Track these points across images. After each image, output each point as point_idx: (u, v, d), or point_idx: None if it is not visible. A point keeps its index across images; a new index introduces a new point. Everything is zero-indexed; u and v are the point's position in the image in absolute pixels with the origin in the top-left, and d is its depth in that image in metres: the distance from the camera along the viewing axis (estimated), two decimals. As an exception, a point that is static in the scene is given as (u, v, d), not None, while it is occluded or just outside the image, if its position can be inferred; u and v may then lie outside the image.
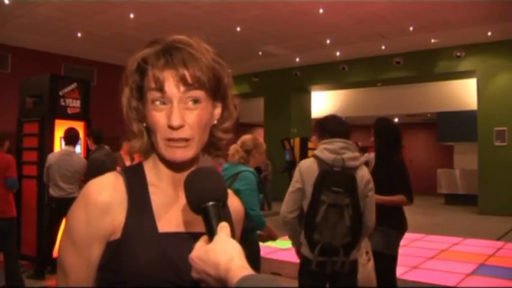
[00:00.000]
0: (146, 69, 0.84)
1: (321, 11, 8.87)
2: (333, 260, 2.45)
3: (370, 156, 3.95)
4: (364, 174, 2.60)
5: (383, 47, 11.39)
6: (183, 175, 0.85)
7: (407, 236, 7.32)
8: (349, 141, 2.68)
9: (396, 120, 17.14)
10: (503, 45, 10.42)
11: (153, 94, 0.82)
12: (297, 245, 2.72)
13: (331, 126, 2.76)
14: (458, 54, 10.93)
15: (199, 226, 0.84)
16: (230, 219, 0.90)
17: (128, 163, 5.17)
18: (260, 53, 12.34)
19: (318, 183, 2.52)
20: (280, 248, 6.07)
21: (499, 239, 7.26)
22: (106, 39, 10.62)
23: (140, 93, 0.86)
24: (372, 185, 2.62)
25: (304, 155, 8.93)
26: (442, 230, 8.10)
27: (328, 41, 11.11)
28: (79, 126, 5.38)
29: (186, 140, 0.83)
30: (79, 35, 10.49)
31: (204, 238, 0.75)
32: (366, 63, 12.44)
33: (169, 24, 9.31)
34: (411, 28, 9.94)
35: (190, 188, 0.77)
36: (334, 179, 2.51)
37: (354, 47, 11.50)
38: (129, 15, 9.09)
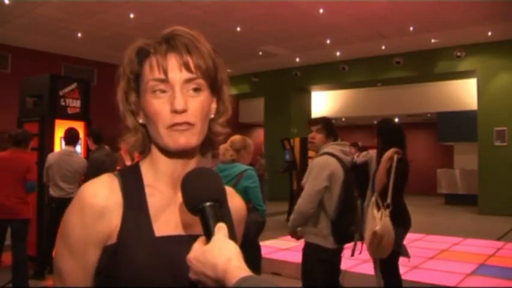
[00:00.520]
0: (148, 54, 0.83)
1: (321, 11, 8.87)
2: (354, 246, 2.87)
3: (368, 155, 4.12)
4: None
5: (383, 47, 11.39)
6: (182, 174, 0.83)
7: (408, 236, 7.32)
8: (348, 143, 3.09)
9: (396, 120, 17.17)
10: (503, 45, 10.42)
11: (154, 82, 0.81)
12: (295, 230, 2.93)
13: (334, 127, 3.01)
14: (458, 54, 10.93)
15: (198, 228, 0.83)
16: (230, 219, 0.88)
17: (128, 163, 5.17)
18: (260, 53, 12.34)
19: (347, 182, 2.80)
20: (280, 248, 6.07)
21: (499, 239, 7.26)
22: (106, 39, 10.62)
23: (137, 84, 0.85)
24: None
25: (304, 155, 8.90)
26: (442, 230, 8.10)
27: (328, 41, 11.11)
28: (79, 126, 5.38)
29: (190, 124, 0.81)
30: (79, 35, 10.49)
31: (201, 239, 0.74)
32: (366, 63, 12.44)
33: (169, 24, 9.12)
34: (411, 28, 9.93)
35: (187, 188, 0.76)
36: (352, 177, 2.88)
37: (354, 47, 11.50)
38: (129, 15, 9.10)
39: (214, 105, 0.88)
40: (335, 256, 2.84)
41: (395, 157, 3.17)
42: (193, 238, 0.81)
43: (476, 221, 9.77)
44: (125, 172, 0.88)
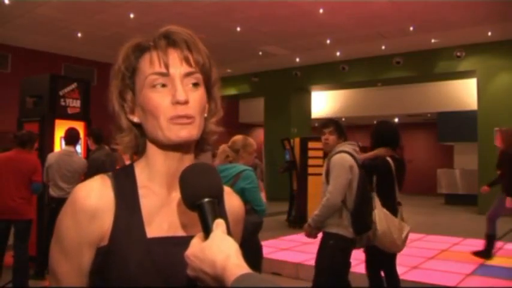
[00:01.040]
0: (146, 49, 0.84)
1: (321, 11, 8.87)
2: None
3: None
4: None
5: (383, 47, 11.39)
6: (177, 172, 0.83)
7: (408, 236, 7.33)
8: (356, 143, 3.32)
9: (396, 120, 17.16)
10: (503, 45, 10.42)
11: (154, 76, 0.81)
12: (323, 223, 3.12)
13: (344, 129, 3.29)
14: (458, 54, 10.93)
15: (192, 229, 0.83)
16: (225, 217, 0.87)
17: (127, 163, 5.17)
18: (260, 53, 12.34)
19: (364, 177, 3.09)
20: (280, 248, 6.07)
21: (499, 239, 7.25)
22: (106, 39, 10.62)
23: (133, 81, 0.85)
24: None
25: (304, 155, 8.89)
26: (442, 230, 8.09)
27: (328, 41, 11.11)
28: (79, 126, 5.38)
29: (190, 117, 0.81)
30: (79, 35, 10.49)
31: (199, 235, 0.73)
32: (366, 63, 12.44)
33: (169, 24, 9.27)
34: (411, 28, 9.93)
35: (185, 183, 0.75)
36: (364, 173, 3.14)
37: (354, 47, 11.50)
38: (129, 15, 9.10)
39: (206, 104, 0.88)
40: (351, 246, 3.11)
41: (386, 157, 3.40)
42: (187, 239, 0.80)
43: (476, 221, 9.75)
44: (118, 173, 0.88)
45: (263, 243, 4.34)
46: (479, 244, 6.71)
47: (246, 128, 17.43)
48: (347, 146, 3.18)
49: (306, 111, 14.64)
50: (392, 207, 3.40)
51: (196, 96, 0.83)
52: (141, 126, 0.87)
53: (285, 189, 10.23)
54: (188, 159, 0.87)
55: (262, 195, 3.46)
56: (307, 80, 13.68)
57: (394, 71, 12.06)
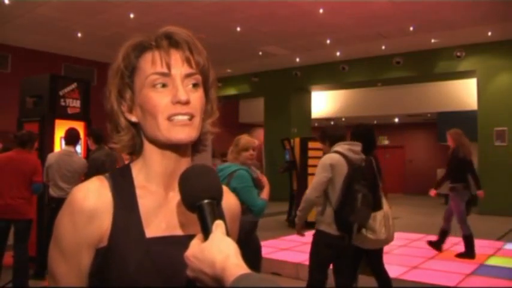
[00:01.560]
0: (146, 48, 0.84)
1: (321, 11, 8.87)
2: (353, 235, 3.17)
3: None
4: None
5: (383, 47, 11.39)
6: (174, 172, 0.85)
7: (408, 236, 7.34)
8: (360, 144, 3.37)
9: (396, 120, 17.17)
10: (503, 45, 10.42)
11: (155, 76, 0.82)
12: (304, 219, 3.29)
13: (338, 134, 3.38)
14: (458, 54, 10.93)
15: (190, 228, 0.83)
16: (224, 217, 0.89)
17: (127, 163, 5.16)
18: (260, 53, 12.33)
19: (350, 177, 3.14)
20: (280, 248, 6.07)
21: (499, 239, 7.26)
22: (106, 39, 10.62)
23: (132, 80, 0.85)
24: None
25: (304, 155, 8.90)
26: (442, 230, 8.07)
27: (328, 41, 11.11)
28: (79, 126, 5.38)
29: (191, 116, 0.82)
30: (79, 35, 10.49)
31: (199, 236, 0.74)
32: (366, 63, 12.44)
33: (169, 24, 9.26)
34: (411, 28, 9.93)
35: (185, 185, 0.75)
36: (360, 174, 3.21)
37: (354, 47, 11.50)
38: (129, 15, 9.10)
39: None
40: (340, 242, 3.16)
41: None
42: (185, 238, 0.80)
43: (476, 221, 9.75)
44: (115, 174, 0.88)
45: (263, 243, 4.34)
46: (479, 244, 6.71)
47: (246, 128, 17.43)
48: (342, 146, 3.27)
49: (306, 111, 14.63)
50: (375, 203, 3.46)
51: (196, 97, 0.83)
52: (138, 125, 0.87)
53: (285, 189, 10.22)
54: (185, 160, 0.88)
55: (265, 192, 3.41)
56: (307, 80, 13.68)
57: (394, 71, 12.06)
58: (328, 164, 3.16)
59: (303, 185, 8.72)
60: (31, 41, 11.09)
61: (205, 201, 0.74)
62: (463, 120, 12.63)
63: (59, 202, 4.60)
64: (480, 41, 10.56)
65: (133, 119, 0.86)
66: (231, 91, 15.28)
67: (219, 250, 0.69)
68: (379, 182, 3.61)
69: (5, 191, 4.30)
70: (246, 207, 3.19)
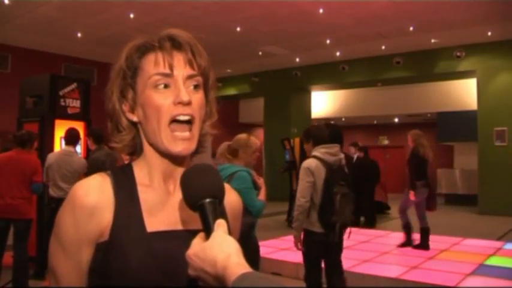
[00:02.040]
0: (149, 49, 0.85)
1: (321, 11, 8.87)
2: (342, 232, 3.41)
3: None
4: (347, 170, 3.61)
5: (383, 47, 11.39)
6: (175, 170, 0.87)
7: (407, 236, 7.32)
8: (338, 145, 3.59)
9: (396, 120, 17.16)
10: (503, 45, 10.42)
11: (158, 77, 0.83)
12: (301, 223, 3.43)
13: (322, 135, 3.57)
14: (458, 54, 10.93)
15: (192, 223, 0.84)
16: (226, 216, 0.90)
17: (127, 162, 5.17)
18: (260, 53, 12.33)
19: (329, 179, 3.34)
20: (280, 248, 6.07)
21: (499, 239, 7.26)
22: (106, 39, 10.62)
23: (134, 80, 0.86)
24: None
25: (304, 155, 8.89)
26: (442, 230, 8.08)
27: (328, 41, 11.11)
28: (79, 126, 5.38)
29: (192, 120, 0.83)
30: (79, 35, 10.49)
31: (201, 235, 0.74)
32: (366, 63, 12.44)
33: (169, 24, 9.12)
34: (411, 28, 9.93)
35: (187, 184, 0.76)
36: (338, 175, 3.40)
37: (354, 47, 11.50)
38: (129, 15, 9.10)
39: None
40: (324, 239, 3.37)
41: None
42: (187, 233, 0.81)
43: (476, 221, 9.77)
44: (117, 171, 0.89)
45: (263, 243, 4.35)
46: (479, 244, 6.72)
47: (246, 128, 17.42)
48: (319, 151, 3.48)
49: (306, 111, 14.63)
50: None
51: (197, 98, 0.85)
52: (139, 125, 0.89)
53: (285, 189, 10.23)
54: (185, 161, 0.90)
55: (262, 193, 3.40)
56: (307, 80, 13.68)
57: (394, 71, 12.06)
58: (308, 169, 3.39)
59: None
60: (31, 41, 11.09)
61: (207, 200, 0.74)
62: (463, 120, 12.65)
63: (59, 202, 4.60)
64: (480, 41, 10.56)
65: (135, 118, 0.87)
66: (231, 91, 15.28)
67: (220, 249, 0.69)
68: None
69: (5, 190, 4.30)
70: (245, 208, 3.13)
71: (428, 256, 5.77)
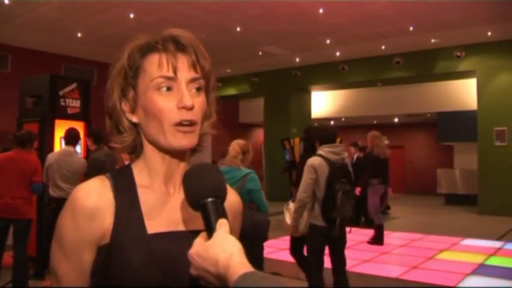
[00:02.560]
0: (152, 50, 0.85)
1: (321, 11, 8.87)
2: (343, 227, 3.64)
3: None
4: (350, 168, 3.79)
5: (383, 47, 11.39)
6: (175, 171, 0.87)
7: (408, 236, 7.34)
8: (342, 145, 3.91)
9: (396, 120, 17.16)
10: (503, 45, 10.42)
11: (161, 80, 0.82)
12: (299, 215, 3.65)
13: (329, 135, 3.75)
14: (458, 54, 10.93)
15: (193, 224, 0.84)
16: (227, 216, 0.90)
17: (127, 163, 5.17)
18: (260, 53, 12.33)
19: (331, 177, 3.53)
20: (280, 248, 6.07)
21: (499, 239, 7.26)
22: (106, 39, 10.62)
23: (135, 80, 0.85)
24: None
25: (304, 154, 8.89)
26: (442, 230, 8.09)
27: (328, 41, 11.11)
28: (79, 126, 5.37)
29: (194, 123, 0.83)
30: (79, 35, 10.49)
31: (202, 235, 0.74)
32: (365, 63, 12.44)
33: (169, 24, 9.06)
34: (411, 28, 9.93)
35: (189, 184, 0.76)
36: (340, 173, 3.58)
37: (354, 47, 11.50)
38: (129, 15, 9.09)
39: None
40: (327, 232, 3.58)
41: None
42: (187, 234, 0.82)
43: (476, 221, 9.77)
44: (116, 174, 0.89)
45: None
46: (479, 244, 6.72)
47: (246, 128, 17.43)
48: (323, 150, 3.67)
49: (306, 111, 14.63)
50: None
51: (199, 101, 0.85)
52: (138, 126, 0.88)
53: (285, 189, 10.23)
54: (184, 161, 0.90)
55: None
56: (307, 80, 13.68)
57: (394, 71, 12.06)
58: (311, 167, 3.58)
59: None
60: (31, 41, 11.08)
61: (209, 199, 0.74)
62: (463, 120, 12.65)
63: (59, 202, 4.61)
64: (480, 41, 10.56)
65: (134, 119, 0.87)
66: (231, 91, 15.28)
67: (222, 248, 0.69)
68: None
69: (5, 190, 4.30)
70: (257, 207, 3.61)
71: (428, 256, 5.77)
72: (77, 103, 5.74)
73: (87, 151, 5.47)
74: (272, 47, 11.77)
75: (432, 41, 10.77)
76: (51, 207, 4.77)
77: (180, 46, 0.85)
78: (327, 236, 3.60)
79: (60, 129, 5.35)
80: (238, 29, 10.10)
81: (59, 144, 5.41)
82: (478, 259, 5.61)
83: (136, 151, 0.91)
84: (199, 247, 0.72)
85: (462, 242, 6.90)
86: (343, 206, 3.52)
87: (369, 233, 7.73)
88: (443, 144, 15.33)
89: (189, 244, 0.74)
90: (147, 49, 0.85)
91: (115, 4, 8.53)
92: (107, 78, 0.89)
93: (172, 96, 0.82)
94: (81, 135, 5.36)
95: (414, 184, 17.81)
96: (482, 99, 10.84)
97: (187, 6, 8.64)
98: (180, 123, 0.82)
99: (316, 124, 16.23)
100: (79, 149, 5.41)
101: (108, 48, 10.83)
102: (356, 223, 8.80)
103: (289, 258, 5.44)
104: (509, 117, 10.36)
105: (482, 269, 5.15)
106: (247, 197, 3.52)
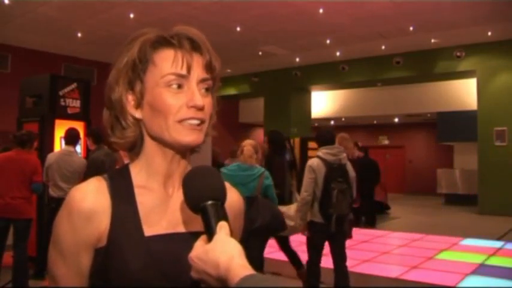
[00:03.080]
0: (165, 45, 0.83)
1: (321, 11, 8.87)
2: (339, 223, 3.82)
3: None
4: (350, 168, 4.01)
5: (383, 47, 11.38)
6: (175, 171, 0.86)
7: (407, 236, 7.34)
8: (341, 147, 4.14)
9: (396, 120, 17.16)
10: (503, 45, 10.42)
11: (172, 77, 0.81)
12: (304, 213, 3.88)
13: (328, 137, 4.04)
14: (458, 54, 10.93)
15: (192, 225, 0.84)
16: (227, 218, 0.90)
17: (126, 163, 5.16)
18: (260, 53, 12.33)
19: (328, 176, 3.79)
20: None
21: (499, 239, 7.26)
22: (106, 39, 10.62)
23: (144, 74, 0.83)
24: (353, 173, 4.02)
25: (304, 154, 8.92)
26: (442, 230, 8.10)
27: (328, 41, 11.11)
28: (79, 126, 5.38)
29: (203, 122, 0.83)
30: (79, 35, 10.49)
31: (203, 237, 0.73)
32: (365, 63, 12.44)
33: (169, 24, 9.10)
34: (411, 28, 9.93)
35: (188, 186, 0.75)
36: (337, 173, 3.83)
37: (354, 47, 11.49)
38: (129, 15, 9.09)
39: None
40: (325, 228, 3.81)
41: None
42: (187, 235, 0.81)
43: (476, 221, 9.77)
44: (114, 174, 0.87)
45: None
46: (479, 244, 6.72)
47: (246, 128, 17.42)
48: (322, 151, 3.94)
49: (306, 111, 14.63)
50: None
51: (208, 102, 0.84)
52: (141, 122, 0.86)
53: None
54: (185, 161, 0.89)
55: None
56: (307, 80, 13.68)
57: (394, 71, 12.06)
58: (310, 167, 3.86)
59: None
60: (31, 41, 11.08)
61: (209, 202, 0.74)
62: (463, 120, 12.66)
63: (59, 202, 4.60)
64: (480, 41, 10.56)
65: (137, 115, 0.85)
66: (231, 91, 15.27)
67: (223, 251, 0.69)
68: (293, 181, 4.55)
69: (5, 190, 4.30)
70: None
71: (428, 256, 5.77)
72: (77, 103, 5.74)
73: (87, 151, 5.47)
74: (272, 47, 11.77)
75: (432, 41, 10.77)
76: (51, 207, 4.77)
77: (195, 45, 0.84)
78: (325, 232, 3.82)
79: (60, 129, 5.35)
80: (238, 29, 10.10)
81: (59, 144, 5.41)
82: (478, 259, 5.61)
83: (135, 148, 0.88)
84: (199, 250, 0.71)
85: (462, 242, 6.90)
86: (340, 203, 3.76)
87: (369, 233, 7.73)
88: (443, 144, 15.33)
89: (188, 246, 0.73)
90: (160, 44, 0.83)
91: (115, 4, 8.52)
92: (107, 78, 0.87)
93: (182, 95, 0.81)
94: (81, 135, 5.37)
95: (414, 184, 17.81)
96: (482, 99, 10.84)
97: (187, 6, 8.64)
98: (185, 121, 0.81)
99: (316, 124, 16.27)
100: (79, 149, 5.41)
101: (108, 48, 10.81)
102: (356, 223, 8.81)
103: (289, 258, 5.45)
104: (509, 117, 10.36)
105: (482, 269, 5.15)
106: (263, 192, 3.87)
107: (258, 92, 14.85)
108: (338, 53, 12.06)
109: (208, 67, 0.84)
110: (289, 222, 4.09)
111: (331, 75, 13.17)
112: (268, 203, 3.83)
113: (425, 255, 5.78)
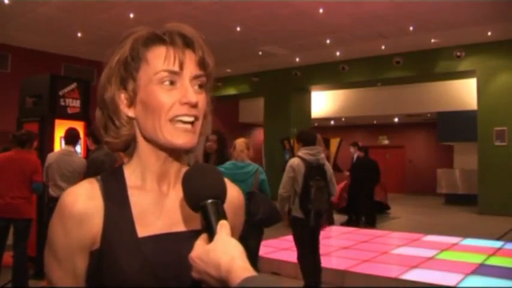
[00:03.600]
0: (157, 42, 0.82)
1: (321, 11, 8.87)
2: (317, 218, 4.16)
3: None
4: (328, 167, 4.38)
5: (383, 47, 11.38)
6: (169, 170, 0.85)
7: (407, 236, 7.34)
8: (320, 147, 4.52)
9: (396, 120, 17.17)
10: (503, 45, 10.42)
11: (165, 73, 0.80)
12: (282, 208, 4.28)
13: (310, 139, 4.35)
14: (458, 54, 10.92)
15: (187, 224, 0.83)
16: (227, 217, 0.89)
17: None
18: (260, 53, 12.33)
19: (306, 175, 4.12)
20: (280, 248, 6.07)
21: (499, 239, 7.26)
22: (106, 39, 10.61)
23: (137, 72, 0.82)
24: (331, 171, 4.38)
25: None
26: (442, 230, 8.09)
27: (328, 41, 11.11)
28: (79, 126, 5.38)
29: (197, 120, 0.82)
30: (79, 35, 10.49)
31: (203, 237, 0.73)
32: (365, 63, 12.44)
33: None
34: (411, 28, 9.93)
35: (188, 185, 0.74)
36: (315, 172, 4.16)
37: (354, 47, 11.50)
38: (129, 15, 9.09)
39: None
40: (305, 223, 4.12)
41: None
42: (182, 235, 0.80)
43: (476, 221, 9.77)
44: (107, 176, 0.86)
45: (263, 243, 4.36)
46: (479, 244, 6.72)
47: (246, 128, 17.42)
48: (302, 151, 4.26)
49: (306, 111, 14.62)
50: None
51: (202, 99, 0.83)
52: (134, 121, 0.85)
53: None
54: (179, 161, 0.88)
55: None
56: (307, 80, 13.68)
57: (394, 71, 12.06)
58: (290, 166, 4.20)
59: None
60: (31, 41, 11.08)
61: (209, 201, 0.73)
62: (463, 120, 12.66)
63: (59, 202, 4.61)
64: (480, 41, 10.56)
65: (131, 113, 0.84)
66: (231, 91, 15.27)
67: (224, 252, 0.68)
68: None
69: (5, 190, 4.31)
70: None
71: (428, 256, 5.77)
72: (76, 103, 5.74)
73: (87, 151, 5.47)
74: (272, 46, 11.77)
75: (432, 41, 10.77)
76: (51, 207, 4.76)
77: (187, 41, 0.83)
78: (305, 226, 4.13)
79: (60, 129, 5.36)
80: (238, 29, 10.10)
81: (59, 144, 5.42)
82: (478, 259, 5.61)
83: (129, 149, 0.88)
84: (200, 250, 0.71)
85: (462, 242, 6.89)
86: (318, 199, 4.08)
87: (369, 233, 7.73)
88: (443, 144, 15.33)
89: (184, 245, 0.73)
90: (152, 41, 0.83)
91: (115, 4, 8.53)
92: (107, 67, 0.86)
93: (175, 91, 0.80)
94: (81, 135, 5.37)
95: (414, 184, 17.81)
96: (482, 99, 10.84)
97: (187, 6, 8.64)
98: (178, 118, 0.80)
99: (316, 124, 16.27)
100: (79, 148, 5.42)
101: (108, 48, 10.76)
102: (356, 223, 8.81)
103: (288, 258, 5.45)
104: (509, 117, 10.37)
105: (482, 269, 5.14)
106: (258, 187, 4.13)
107: (258, 92, 14.85)
108: (338, 53, 12.06)
109: (201, 63, 0.83)
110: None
111: (331, 75, 13.17)
112: (266, 197, 4.11)
113: (425, 255, 5.78)
